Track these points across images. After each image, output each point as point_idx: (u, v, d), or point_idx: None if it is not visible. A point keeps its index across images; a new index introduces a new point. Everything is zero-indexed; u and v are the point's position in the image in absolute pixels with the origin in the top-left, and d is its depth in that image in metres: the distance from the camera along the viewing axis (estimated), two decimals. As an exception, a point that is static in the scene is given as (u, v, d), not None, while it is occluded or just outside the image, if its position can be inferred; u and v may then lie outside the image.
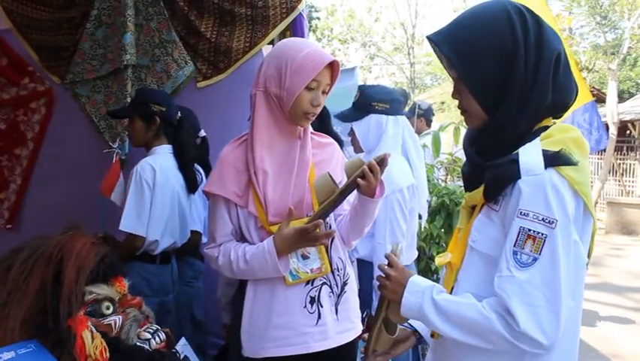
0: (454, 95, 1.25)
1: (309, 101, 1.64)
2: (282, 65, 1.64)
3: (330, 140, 1.87)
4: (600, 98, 11.45)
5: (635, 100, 14.14)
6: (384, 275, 1.30)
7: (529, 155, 1.10)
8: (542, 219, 1.06)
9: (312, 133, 1.79)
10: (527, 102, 1.14)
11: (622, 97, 14.05)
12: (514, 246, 1.09)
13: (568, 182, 1.08)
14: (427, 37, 1.23)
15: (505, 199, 1.13)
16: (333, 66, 1.67)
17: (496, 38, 1.14)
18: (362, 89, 2.57)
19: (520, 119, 1.15)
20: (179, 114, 2.53)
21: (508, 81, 1.13)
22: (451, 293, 1.23)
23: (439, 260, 1.32)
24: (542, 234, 1.06)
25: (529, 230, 1.07)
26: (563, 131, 1.14)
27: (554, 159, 1.08)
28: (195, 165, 2.61)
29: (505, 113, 1.15)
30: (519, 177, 1.09)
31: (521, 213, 1.08)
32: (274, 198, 1.68)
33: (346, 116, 2.54)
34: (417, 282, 1.24)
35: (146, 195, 2.30)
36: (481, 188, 1.18)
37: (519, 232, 1.08)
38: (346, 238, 1.80)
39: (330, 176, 1.58)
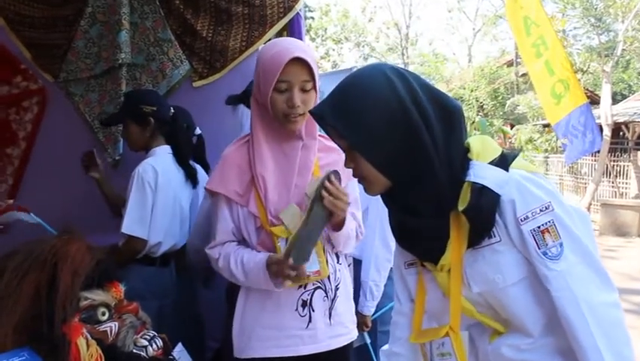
0: (348, 165, 1.22)
1: (284, 102, 1.59)
2: (257, 69, 1.63)
3: (336, 145, 1.83)
4: (594, 100, 11.52)
5: (629, 102, 14.24)
6: None
7: (486, 174, 1.11)
8: (540, 210, 1.09)
9: (320, 136, 1.75)
10: (449, 155, 1.13)
11: (614, 99, 14.11)
12: (539, 248, 1.10)
13: (525, 170, 1.14)
14: (310, 112, 1.23)
15: (497, 225, 1.13)
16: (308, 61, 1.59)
17: (379, 102, 1.11)
18: None
19: (451, 169, 1.13)
20: (171, 110, 2.48)
21: (414, 144, 1.11)
22: (484, 346, 1.23)
23: (431, 335, 1.25)
24: (550, 221, 1.09)
25: (539, 227, 1.09)
26: (480, 140, 1.18)
27: (506, 161, 1.13)
28: (193, 163, 2.57)
29: (432, 173, 1.12)
30: (499, 196, 1.10)
31: (522, 219, 1.10)
32: (274, 198, 1.66)
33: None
34: None
35: (148, 197, 2.26)
36: (451, 246, 1.15)
37: (533, 235, 1.10)
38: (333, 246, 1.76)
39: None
